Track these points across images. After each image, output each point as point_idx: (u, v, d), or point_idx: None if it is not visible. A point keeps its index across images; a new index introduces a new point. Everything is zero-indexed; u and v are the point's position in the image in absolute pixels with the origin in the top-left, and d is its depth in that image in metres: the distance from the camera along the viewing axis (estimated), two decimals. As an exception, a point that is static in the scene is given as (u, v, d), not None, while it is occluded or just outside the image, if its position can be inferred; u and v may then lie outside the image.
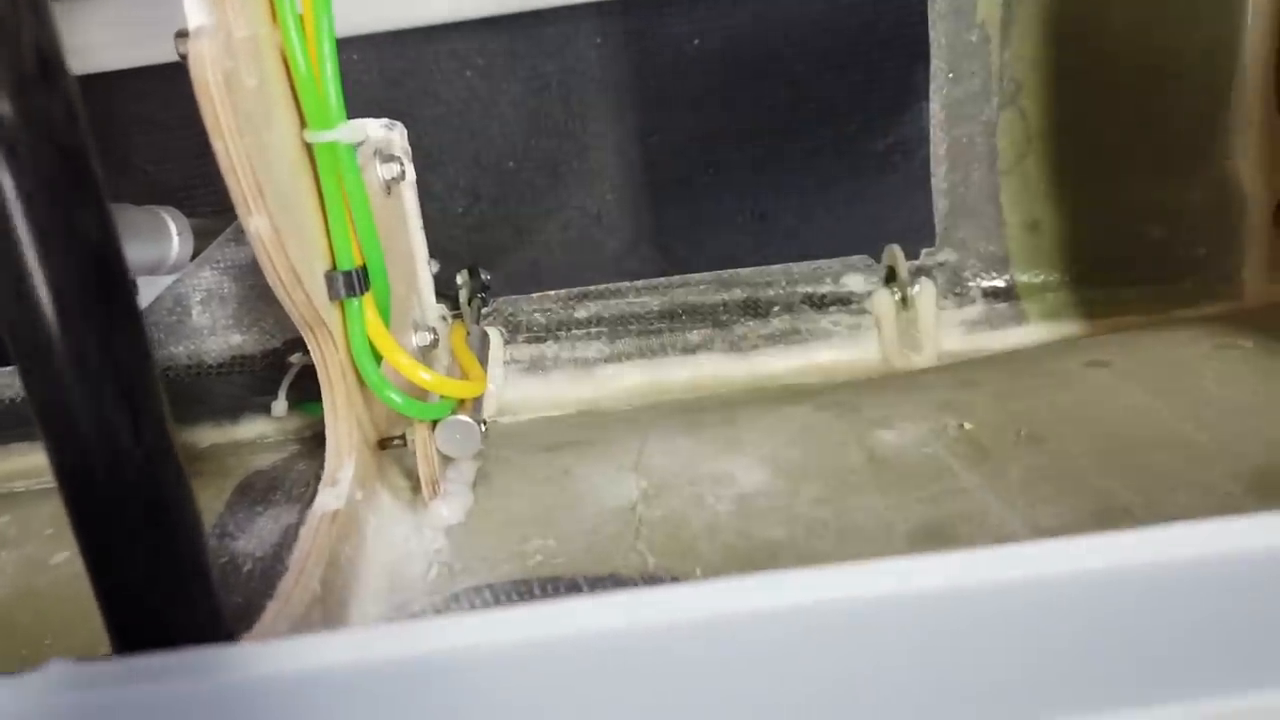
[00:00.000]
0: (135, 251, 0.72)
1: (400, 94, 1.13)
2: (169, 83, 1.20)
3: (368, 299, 0.40)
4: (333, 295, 0.38)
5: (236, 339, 0.61)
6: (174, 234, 0.74)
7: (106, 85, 1.08)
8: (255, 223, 0.33)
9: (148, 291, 0.75)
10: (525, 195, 1.21)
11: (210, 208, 1.23)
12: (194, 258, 0.74)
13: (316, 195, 0.38)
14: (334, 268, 0.39)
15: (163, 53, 1.11)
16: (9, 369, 0.62)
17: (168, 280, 0.76)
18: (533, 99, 1.19)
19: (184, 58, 0.34)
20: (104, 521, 0.25)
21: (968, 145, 0.61)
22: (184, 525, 0.25)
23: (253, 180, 0.32)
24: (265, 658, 0.20)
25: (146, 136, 1.13)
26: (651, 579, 0.35)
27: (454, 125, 1.16)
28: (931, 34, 0.60)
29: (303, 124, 0.37)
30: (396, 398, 0.39)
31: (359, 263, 0.39)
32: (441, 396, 0.42)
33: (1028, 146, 0.61)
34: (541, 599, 0.35)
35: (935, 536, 0.35)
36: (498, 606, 0.35)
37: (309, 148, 0.37)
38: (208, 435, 0.61)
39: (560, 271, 1.27)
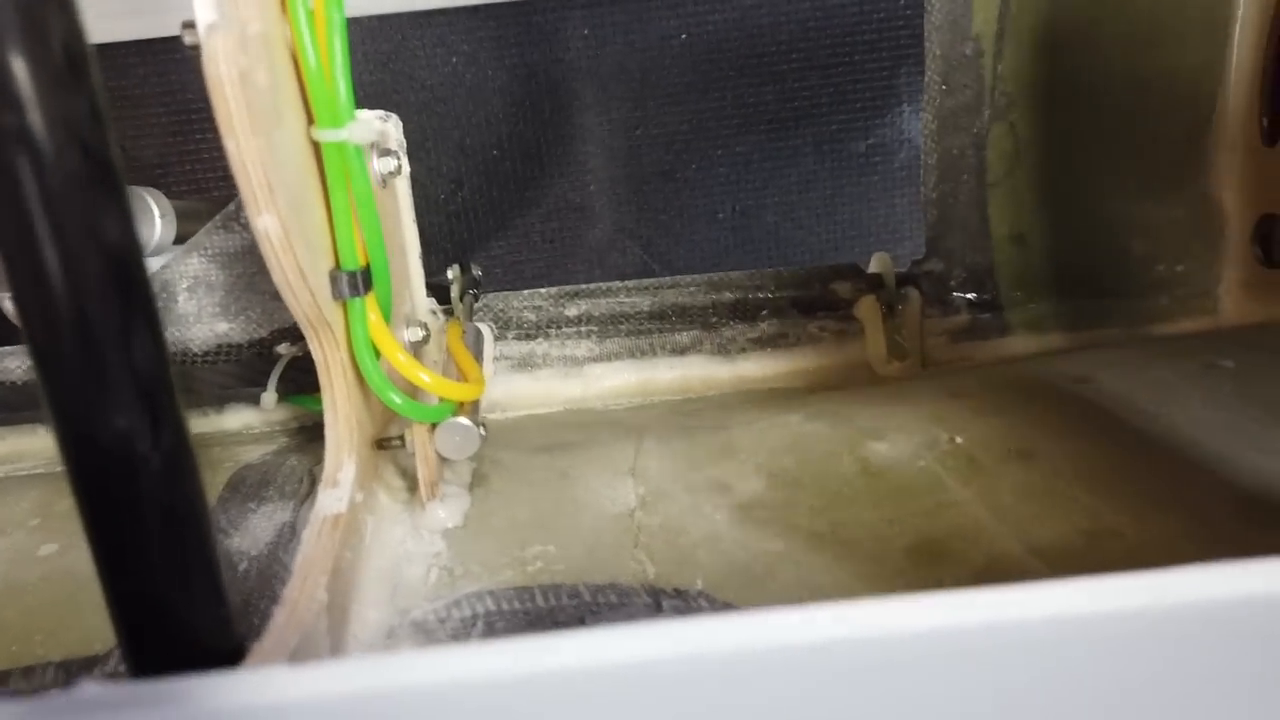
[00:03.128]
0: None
1: (385, 77, 1.12)
2: (148, 59, 1.17)
3: (370, 299, 0.39)
4: (336, 295, 0.38)
5: (223, 327, 0.61)
6: (156, 216, 0.73)
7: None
8: (264, 222, 0.33)
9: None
10: (509, 184, 1.20)
11: (186, 186, 1.21)
12: (176, 240, 0.73)
13: (321, 193, 0.38)
14: (338, 267, 0.38)
15: (142, 28, 1.08)
16: (-17, 352, 0.61)
17: (148, 262, 0.74)
18: (519, 87, 1.18)
19: (193, 50, 0.34)
20: (119, 526, 0.24)
21: (958, 157, 0.62)
22: (198, 532, 0.25)
23: (264, 179, 0.32)
24: (284, 683, 0.20)
25: (122, 112, 1.11)
26: (652, 589, 0.35)
27: (438, 111, 1.16)
28: (926, 45, 0.60)
29: (310, 120, 0.37)
30: (397, 399, 0.39)
31: (363, 263, 0.39)
32: (440, 399, 0.42)
33: (1016, 160, 0.62)
34: (544, 606, 0.35)
35: (932, 552, 0.36)
36: (500, 614, 0.35)
37: (315, 145, 0.37)
38: (193, 425, 0.60)
39: (541, 261, 1.27)
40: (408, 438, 0.41)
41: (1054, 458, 0.42)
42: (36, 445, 0.60)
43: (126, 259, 0.23)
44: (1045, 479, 0.40)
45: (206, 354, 0.61)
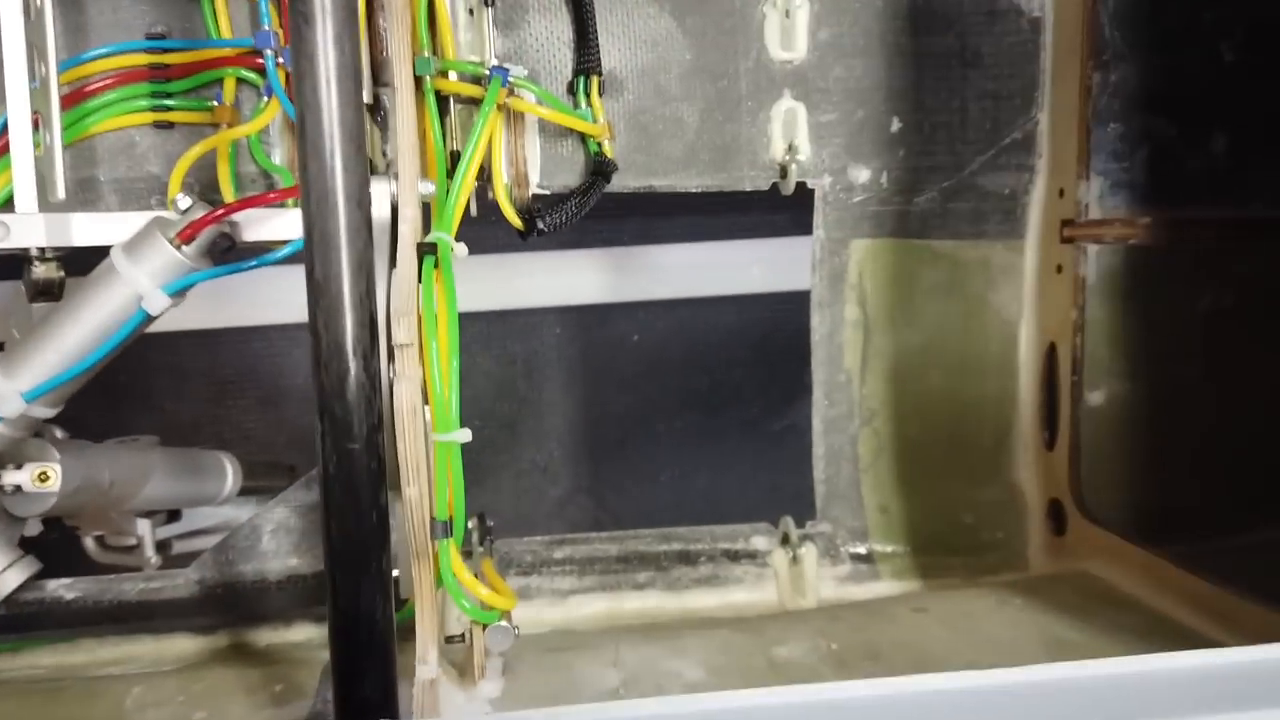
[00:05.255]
0: (201, 486, 0.91)
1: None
2: (196, 344, 1.43)
3: (452, 541, 0.61)
4: (433, 536, 0.60)
5: (294, 561, 0.80)
6: (229, 474, 0.94)
7: (146, 340, 1.30)
8: (411, 491, 0.55)
9: (191, 517, 0.94)
10: (486, 449, 1.44)
11: (214, 442, 1.43)
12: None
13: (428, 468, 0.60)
14: (434, 518, 0.60)
15: (195, 320, 1.34)
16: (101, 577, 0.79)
17: (210, 510, 0.95)
18: (501, 371, 1.45)
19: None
20: (359, 646, 0.45)
21: (839, 450, 0.88)
22: (391, 653, 0.46)
23: (418, 464, 0.55)
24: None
25: (170, 381, 1.34)
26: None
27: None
28: (814, 375, 0.87)
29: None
30: (467, 604, 0.60)
31: (450, 515, 0.61)
32: (487, 607, 0.63)
33: (879, 454, 0.88)
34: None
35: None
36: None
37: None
38: (266, 637, 0.78)
39: (508, 513, 1.49)
40: (467, 635, 0.61)
41: (893, 659, 0.64)
42: (141, 650, 0.77)
43: (383, 514, 0.45)
44: (888, 672, 0.62)
45: (280, 582, 0.80)
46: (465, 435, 0.60)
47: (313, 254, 0.41)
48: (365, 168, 0.41)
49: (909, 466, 0.88)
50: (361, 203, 0.41)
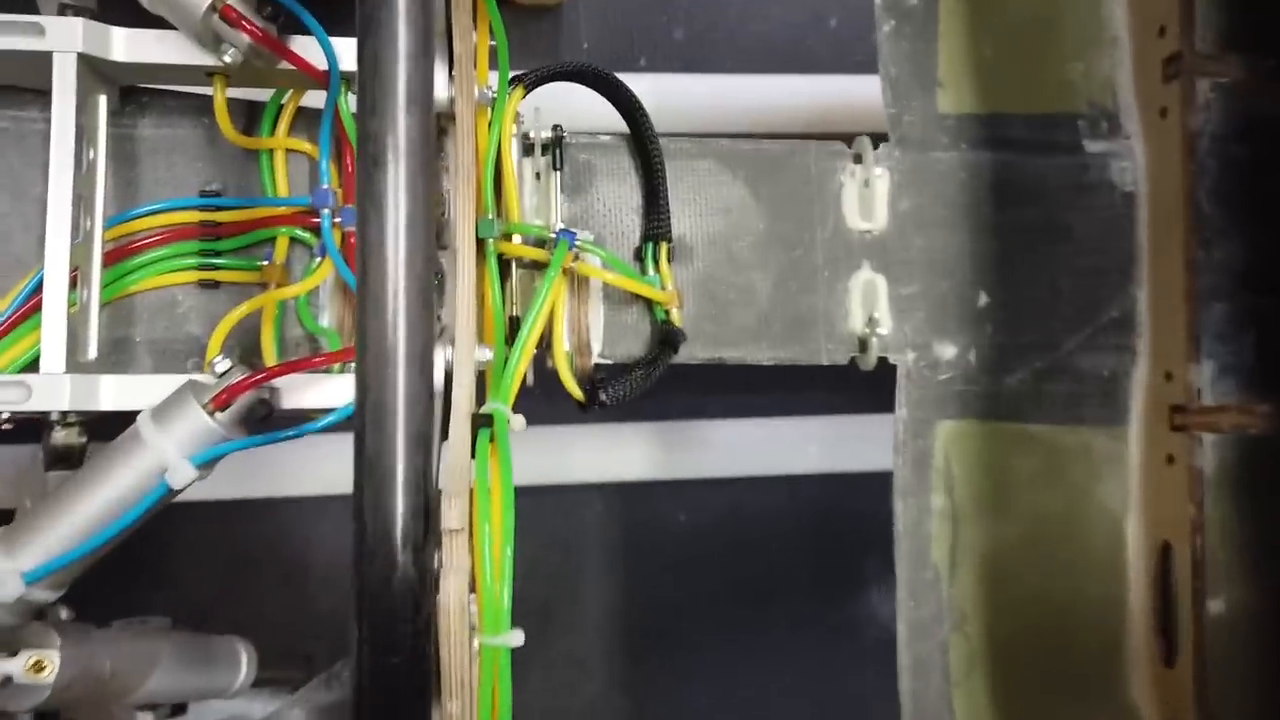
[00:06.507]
0: (212, 677, 0.82)
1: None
2: (218, 514, 1.35)
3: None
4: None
5: (305, 776, 0.70)
6: (243, 663, 0.84)
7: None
8: (453, 707, 0.46)
9: (197, 710, 0.84)
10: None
11: (228, 627, 1.33)
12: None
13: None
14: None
15: (209, 492, 1.27)
16: None
17: (218, 704, 0.85)
18: (538, 550, 1.36)
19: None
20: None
21: (927, 660, 0.77)
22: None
23: (462, 671, 0.46)
24: None
25: (185, 557, 1.26)
26: None
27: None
28: (898, 572, 0.78)
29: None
30: None
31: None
32: None
33: (973, 664, 0.77)
34: None
35: None
36: None
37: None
38: None
39: (538, 711, 1.36)
40: None
41: None
42: None
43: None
44: None
45: (290, 797, 0.69)
46: (518, 638, 0.52)
47: (364, 424, 0.35)
48: (431, 327, 0.36)
49: (1008, 681, 0.77)
50: (425, 367, 0.35)
